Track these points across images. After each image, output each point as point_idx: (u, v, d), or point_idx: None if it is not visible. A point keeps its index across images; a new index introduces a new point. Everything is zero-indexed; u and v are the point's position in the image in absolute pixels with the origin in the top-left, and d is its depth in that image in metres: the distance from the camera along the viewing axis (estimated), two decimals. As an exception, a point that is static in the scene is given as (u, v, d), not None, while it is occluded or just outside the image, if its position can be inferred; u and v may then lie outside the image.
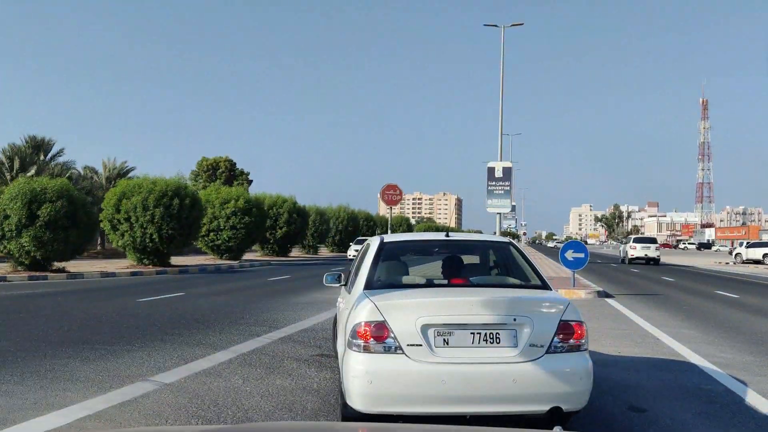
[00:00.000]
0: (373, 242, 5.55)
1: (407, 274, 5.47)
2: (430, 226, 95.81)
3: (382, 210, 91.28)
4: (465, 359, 4.14)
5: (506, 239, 6.15)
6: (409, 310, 4.25)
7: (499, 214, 26.96)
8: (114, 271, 22.86)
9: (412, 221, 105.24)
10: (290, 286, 18.54)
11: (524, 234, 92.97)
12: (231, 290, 16.82)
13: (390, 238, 5.74)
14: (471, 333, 4.19)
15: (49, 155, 41.59)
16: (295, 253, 48.74)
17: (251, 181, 63.93)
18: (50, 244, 20.70)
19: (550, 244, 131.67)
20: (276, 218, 41.18)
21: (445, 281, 5.31)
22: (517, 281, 5.27)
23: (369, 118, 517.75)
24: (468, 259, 6.08)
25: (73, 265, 23.34)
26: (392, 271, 5.32)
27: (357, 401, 4.16)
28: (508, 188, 25.43)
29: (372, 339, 4.17)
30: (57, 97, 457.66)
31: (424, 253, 7.80)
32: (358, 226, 58.61)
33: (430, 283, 5.20)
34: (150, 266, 25.25)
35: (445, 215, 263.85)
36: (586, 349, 4.38)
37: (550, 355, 4.21)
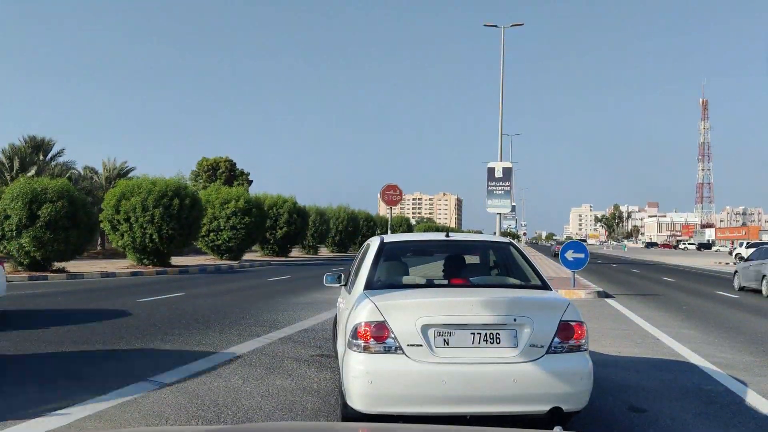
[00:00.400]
0: (373, 242, 5.55)
1: (407, 274, 5.47)
2: (430, 226, 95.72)
3: (382, 210, 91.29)
4: (465, 359, 4.14)
5: (506, 239, 6.15)
6: (409, 311, 4.25)
7: (499, 214, 26.99)
8: (114, 271, 22.86)
9: (412, 221, 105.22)
10: (290, 286, 18.54)
11: (524, 234, 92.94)
12: (231, 290, 16.82)
13: (390, 238, 5.74)
14: (471, 333, 4.19)
15: (49, 155, 41.62)
16: (295, 253, 48.73)
17: (251, 181, 63.91)
18: (50, 244, 20.70)
19: (548, 244, 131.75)
20: (276, 218, 41.16)
21: (446, 281, 5.31)
22: (517, 281, 5.26)
23: (369, 118, 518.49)
24: (468, 259, 6.08)
25: (73, 266, 23.34)
26: (392, 272, 5.32)
27: (357, 401, 4.16)
28: (508, 188, 25.45)
29: (372, 339, 4.17)
30: (57, 97, 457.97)
31: (424, 254, 7.81)
32: (358, 227, 58.59)
33: (430, 284, 5.20)
34: (150, 266, 25.25)
35: (445, 215, 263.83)
36: (586, 350, 4.38)
37: (550, 355, 4.21)
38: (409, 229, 75.97)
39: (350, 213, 58.07)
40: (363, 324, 4.21)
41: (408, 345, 4.14)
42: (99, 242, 41.45)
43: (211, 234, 33.47)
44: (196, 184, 54.41)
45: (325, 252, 56.18)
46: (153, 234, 24.64)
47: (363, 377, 4.11)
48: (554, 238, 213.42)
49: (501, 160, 27.35)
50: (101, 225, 25.53)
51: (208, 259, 33.61)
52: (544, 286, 5.03)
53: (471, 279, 5.33)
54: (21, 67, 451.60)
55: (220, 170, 61.66)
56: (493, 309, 4.23)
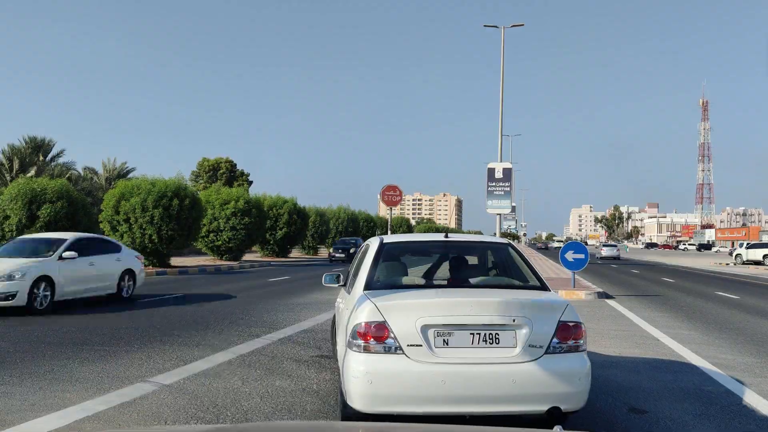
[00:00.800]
0: (373, 243, 5.55)
1: (407, 274, 5.47)
2: (430, 226, 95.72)
3: (382, 211, 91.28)
4: (465, 359, 4.14)
5: (505, 240, 6.15)
6: (409, 311, 4.25)
7: (499, 215, 26.98)
8: (114, 271, 22.81)
9: (412, 222, 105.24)
10: (290, 286, 18.53)
11: (524, 235, 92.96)
12: (230, 291, 16.80)
13: (389, 238, 5.73)
14: (470, 333, 4.19)
15: (49, 156, 41.66)
16: (295, 254, 48.74)
17: (251, 181, 63.95)
18: (50, 244, 20.68)
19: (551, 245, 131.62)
20: (276, 219, 41.13)
21: (445, 282, 5.31)
22: (516, 282, 5.27)
23: (369, 119, 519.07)
24: (467, 260, 6.07)
25: (73, 266, 23.27)
26: (392, 272, 5.31)
27: (357, 401, 4.16)
28: (508, 189, 25.45)
29: (372, 339, 4.17)
30: (57, 98, 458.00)
31: (423, 254, 7.79)
32: (358, 227, 58.57)
33: (429, 284, 5.20)
34: (149, 267, 25.20)
35: (446, 216, 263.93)
36: (584, 350, 4.39)
37: (549, 355, 4.21)
38: (409, 229, 76.00)
39: (350, 213, 58.06)
40: (363, 324, 4.21)
41: (408, 345, 4.14)
42: (99, 243, 41.42)
43: (211, 234, 33.45)
44: (197, 185, 54.47)
45: (325, 253, 56.16)
46: (152, 234, 24.63)
47: (363, 377, 4.11)
48: (554, 238, 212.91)
49: (501, 161, 27.33)
50: (101, 225, 25.52)
51: (208, 260, 33.60)
52: (543, 287, 5.04)
53: (470, 279, 5.34)
54: (21, 67, 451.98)
55: (221, 171, 61.74)
56: (493, 309, 4.24)
